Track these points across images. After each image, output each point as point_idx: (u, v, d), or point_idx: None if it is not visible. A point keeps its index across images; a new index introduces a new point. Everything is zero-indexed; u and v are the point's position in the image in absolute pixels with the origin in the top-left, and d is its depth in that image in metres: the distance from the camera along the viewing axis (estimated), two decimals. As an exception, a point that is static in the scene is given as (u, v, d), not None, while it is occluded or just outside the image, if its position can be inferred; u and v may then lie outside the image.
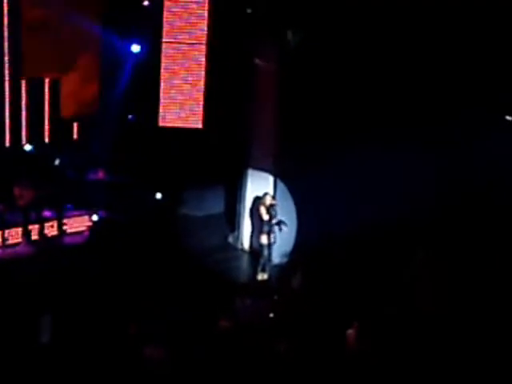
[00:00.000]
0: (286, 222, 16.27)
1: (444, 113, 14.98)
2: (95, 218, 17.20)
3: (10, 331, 12.96)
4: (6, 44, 16.27)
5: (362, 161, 15.28)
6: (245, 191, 17.17)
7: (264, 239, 16.07)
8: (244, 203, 17.20)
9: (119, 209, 17.31)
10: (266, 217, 16.02)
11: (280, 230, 16.19)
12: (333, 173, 15.58)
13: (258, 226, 16.43)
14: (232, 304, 14.42)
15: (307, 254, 15.90)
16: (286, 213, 16.37)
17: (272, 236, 16.11)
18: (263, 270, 16.10)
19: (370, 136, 15.16)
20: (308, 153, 15.97)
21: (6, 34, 16.24)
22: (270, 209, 16.10)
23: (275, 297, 14.88)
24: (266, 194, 16.28)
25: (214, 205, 17.93)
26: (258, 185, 16.86)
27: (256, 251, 16.57)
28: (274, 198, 16.38)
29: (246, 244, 17.24)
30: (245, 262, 17.02)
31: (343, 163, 15.53)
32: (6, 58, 16.33)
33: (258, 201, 16.57)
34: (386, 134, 14.91)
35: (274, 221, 16.08)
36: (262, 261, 16.14)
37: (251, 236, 17.00)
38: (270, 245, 16.13)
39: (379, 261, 15.03)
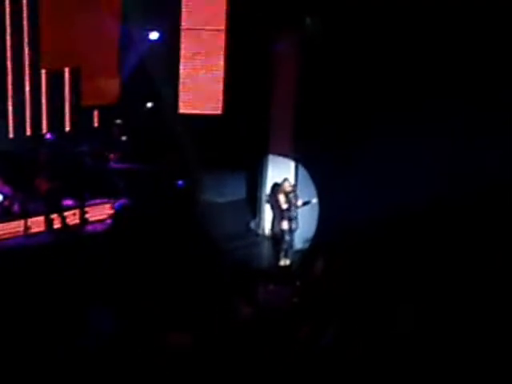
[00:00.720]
0: (308, 207, 16.25)
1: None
2: (118, 205, 17.25)
3: (31, 320, 13.05)
4: (25, 34, 16.36)
5: (384, 144, 15.21)
6: (266, 177, 17.14)
7: (285, 225, 16.06)
8: (265, 189, 17.16)
9: (141, 196, 17.38)
10: (284, 205, 15.99)
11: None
12: (354, 157, 15.54)
13: (278, 212, 16.40)
14: (254, 290, 14.42)
15: (329, 240, 15.86)
16: (308, 198, 16.32)
17: (293, 222, 16.08)
18: (285, 256, 16.10)
19: (391, 119, 15.11)
20: (328, 137, 15.93)
21: (25, 24, 16.35)
22: (288, 195, 16.05)
23: (298, 282, 14.85)
24: (285, 180, 16.23)
25: (236, 191, 17.88)
26: (279, 170, 16.82)
27: (277, 237, 16.56)
28: (293, 184, 16.33)
29: (268, 230, 17.24)
30: (266, 247, 17.03)
31: (364, 147, 15.50)
32: (26, 49, 16.42)
33: (276, 187, 16.54)
34: (409, 117, 14.87)
35: (293, 207, 16.03)
36: (283, 246, 16.14)
37: (272, 222, 16.98)
38: (291, 231, 16.10)
39: (402, 245, 14.99)
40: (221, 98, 17.55)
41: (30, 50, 16.39)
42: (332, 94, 16.01)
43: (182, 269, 15.02)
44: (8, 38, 16.19)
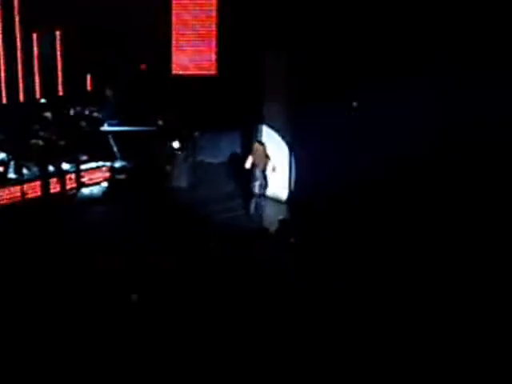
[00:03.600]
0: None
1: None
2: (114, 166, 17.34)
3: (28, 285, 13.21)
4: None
5: (372, 102, 15.15)
6: (260, 138, 17.12)
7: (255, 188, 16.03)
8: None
9: (135, 158, 17.48)
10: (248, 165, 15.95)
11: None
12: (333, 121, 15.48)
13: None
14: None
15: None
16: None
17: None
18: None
19: (371, 83, 15.03)
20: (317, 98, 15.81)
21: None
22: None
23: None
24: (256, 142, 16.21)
25: (230, 152, 17.94)
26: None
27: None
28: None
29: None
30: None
31: (343, 110, 15.45)
32: (17, 12, 16.33)
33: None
34: (399, 71, 14.81)
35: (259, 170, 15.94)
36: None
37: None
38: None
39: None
40: (214, 58, 17.50)
41: (20, 11, 16.30)
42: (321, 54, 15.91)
43: (173, 228, 15.24)
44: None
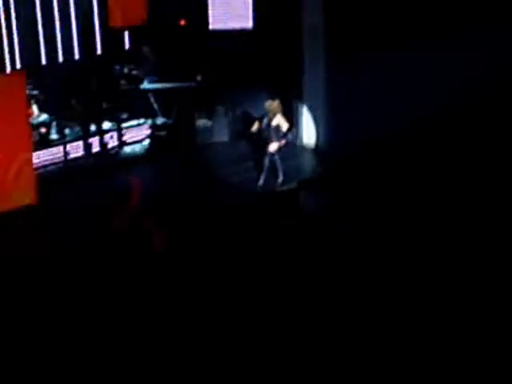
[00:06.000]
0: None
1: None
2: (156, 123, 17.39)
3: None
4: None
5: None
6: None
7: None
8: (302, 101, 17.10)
9: (175, 115, 17.47)
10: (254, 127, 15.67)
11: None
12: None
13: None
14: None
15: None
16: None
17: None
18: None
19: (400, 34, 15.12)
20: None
21: None
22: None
23: None
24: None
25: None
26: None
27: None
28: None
29: (305, 141, 17.22)
30: (306, 158, 16.99)
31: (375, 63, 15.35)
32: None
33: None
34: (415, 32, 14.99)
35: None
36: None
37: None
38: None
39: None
40: (251, 11, 17.33)
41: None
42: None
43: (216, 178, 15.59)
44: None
